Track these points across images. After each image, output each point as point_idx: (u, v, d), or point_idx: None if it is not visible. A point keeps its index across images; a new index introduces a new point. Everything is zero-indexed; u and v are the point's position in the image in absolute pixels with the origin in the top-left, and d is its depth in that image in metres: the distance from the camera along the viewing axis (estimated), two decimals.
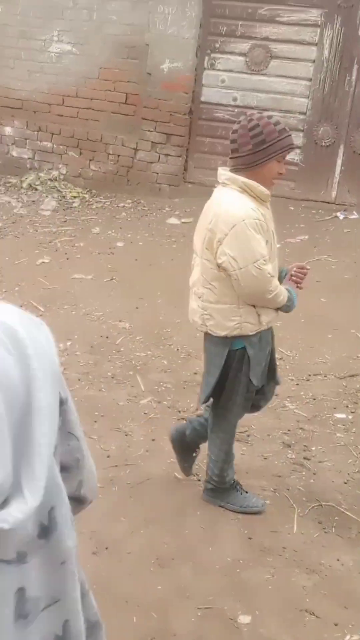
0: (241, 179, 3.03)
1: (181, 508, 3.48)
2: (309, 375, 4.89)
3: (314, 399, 4.58)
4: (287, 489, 3.69)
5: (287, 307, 3.24)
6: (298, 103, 8.45)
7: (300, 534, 3.35)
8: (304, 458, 3.96)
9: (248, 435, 4.15)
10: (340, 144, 8.35)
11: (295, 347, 5.25)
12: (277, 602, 2.89)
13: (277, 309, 3.24)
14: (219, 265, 3.07)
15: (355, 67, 8.10)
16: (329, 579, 3.03)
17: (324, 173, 8.45)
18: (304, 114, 8.46)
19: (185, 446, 3.64)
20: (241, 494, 3.51)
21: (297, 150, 8.53)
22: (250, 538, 3.29)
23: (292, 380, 4.81)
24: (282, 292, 3.16)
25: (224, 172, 3.11)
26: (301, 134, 8.51)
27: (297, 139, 8.52)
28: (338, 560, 3.17)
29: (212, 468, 3.48)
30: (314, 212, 8.24)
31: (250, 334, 3.17)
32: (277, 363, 3.55)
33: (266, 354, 3.30)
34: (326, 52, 8.15)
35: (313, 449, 4.06)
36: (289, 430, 4.24)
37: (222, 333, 3.17)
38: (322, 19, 8.08)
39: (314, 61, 8.25)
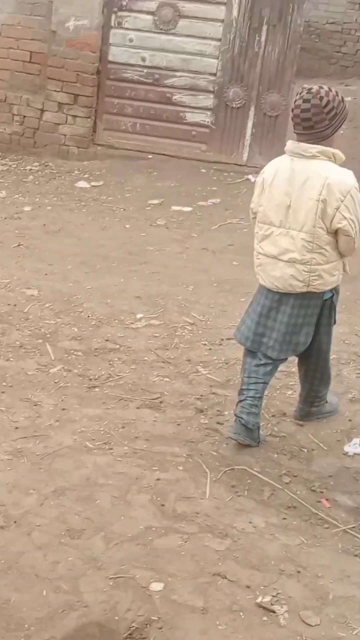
0: (331, 149, 3.44)
1: (93, 478, 3.41)
2: (222, 339, 4.86)
3: (227, 363, 4.56)
4: (200, 454, 3.66)
5: None
6: (207, 64, 8.36)
7: (214, 498, 3.33)
8: (217, 423, 3.94)
9: (161, 402, 4.10)
10: (251, 106, 8.32)
11: (208, 312, 5.23)
12: (190, 567, 2.87)
13: None
14: (333, 230, 3.43)
15: (264, 27, 8.04)
16: (241, 542, 3.03)
17: (235, 135, 8.42)
18: (214, 74, 8.38)
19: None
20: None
21: (208, 112, 8.46)
22: (163, 505, 3.24)
23: (205, 345, 4.78)
24: None
25: (311, 145, 3.42)
26: (212, 96, 8.44)
27: (208, 100, 8.45)
28: (250, 522, 3.17)
29: (322, 394, 3.94)
30: (225, 175, 8.21)
31: (339, 282, 3.68)
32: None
33: None
34: (235, 12, 8.06)
35: (226, 413, 4.04)
36: (201, 395, 4.22)
37: (328, 288, 3.59)
38: None
39: (223, 21, 8.14)
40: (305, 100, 3.37)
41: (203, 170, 8.24)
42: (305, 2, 7.94)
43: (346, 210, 3.37)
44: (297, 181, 3.43)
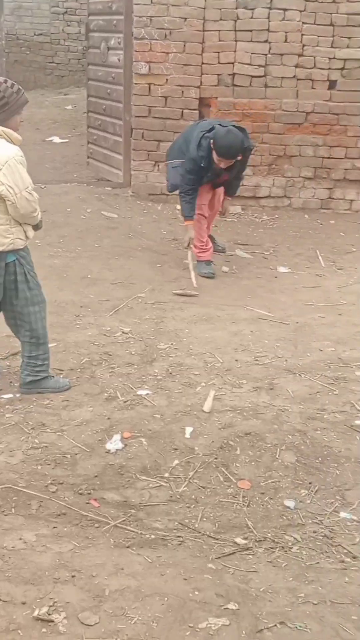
0: (1, 128, 3.91)
1: None
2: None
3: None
4: None
5: (39, 225, 4.24)
6: None
7: None
8: None
9: None
10: None
11: None
12: None
13: (34, 227, 4.21)
14: None
15: None
16: (12, 561, 2.96)
17: None
18: None
19: None
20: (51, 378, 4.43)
21: None
22: None
23: None
24: (39, 212, 4.20)
25: None
26: None
27: None
28: (20, 539, 3.11)
29: (35, 362, 4.35)
30: None
31: (21, 247, 4.12)
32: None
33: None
34: None
35: None
36: None
37: (1, 248, 4.03)
38: None
39: None
40: None
41: None
42: (1, 15, 7.92)
43: (4, 177, 3.89)
44: None
